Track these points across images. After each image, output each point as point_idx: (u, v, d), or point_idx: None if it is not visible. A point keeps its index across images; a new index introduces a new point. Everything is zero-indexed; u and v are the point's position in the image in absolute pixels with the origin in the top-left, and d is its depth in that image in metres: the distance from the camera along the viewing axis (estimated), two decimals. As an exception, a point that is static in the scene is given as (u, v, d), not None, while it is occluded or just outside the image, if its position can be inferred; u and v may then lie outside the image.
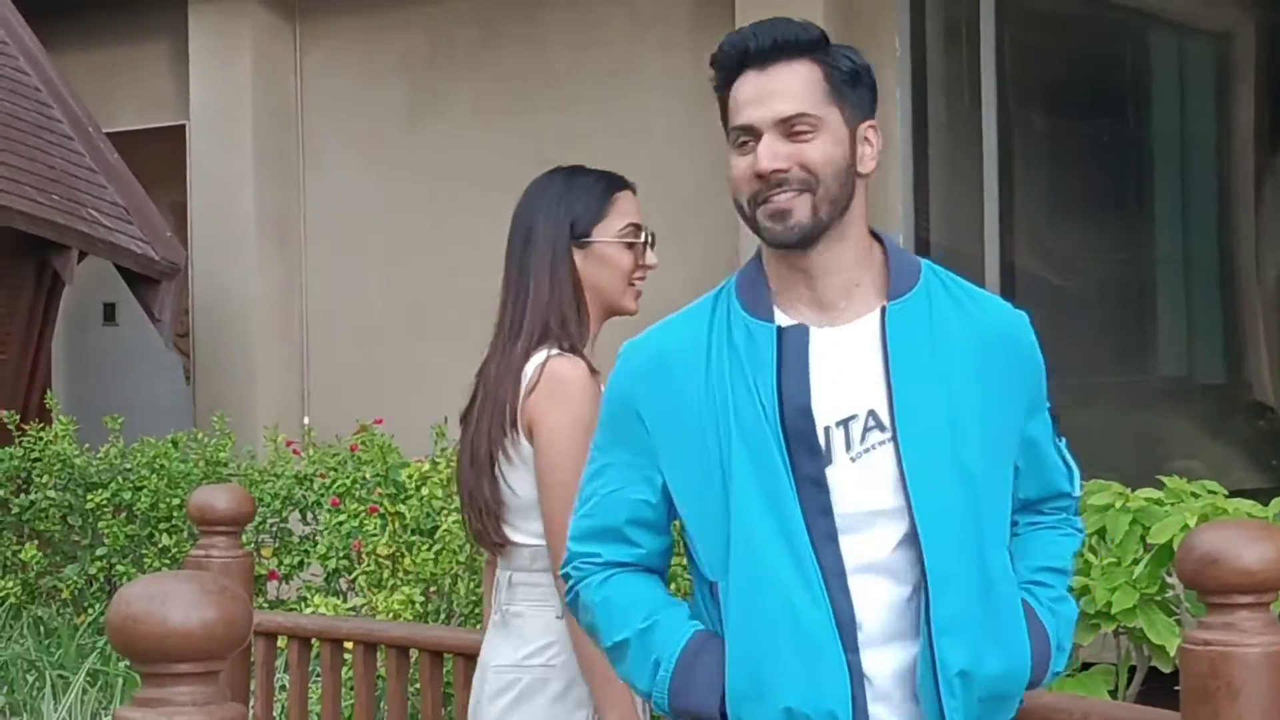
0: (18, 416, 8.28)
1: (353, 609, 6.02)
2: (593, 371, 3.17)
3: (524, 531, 3.20)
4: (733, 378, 2.43)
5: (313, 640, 4.81)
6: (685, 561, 2.56)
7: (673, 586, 4.26)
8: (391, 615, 5.56)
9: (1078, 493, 2.66)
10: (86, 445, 8.06)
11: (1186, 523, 3.91)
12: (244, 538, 4.85)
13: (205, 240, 10.00)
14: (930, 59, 8.26)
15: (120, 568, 7.70)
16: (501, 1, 9.28)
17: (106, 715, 6.61)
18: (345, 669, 4.93)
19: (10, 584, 7.94)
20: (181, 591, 1.95)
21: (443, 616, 5.82)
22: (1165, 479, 4.25)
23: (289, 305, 9.91)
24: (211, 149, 9.99)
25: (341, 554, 6.65)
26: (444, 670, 4.52)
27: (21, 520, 8.02)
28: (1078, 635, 4.03)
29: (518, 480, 3.18)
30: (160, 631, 1.93)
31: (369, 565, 5.97)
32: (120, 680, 6.83)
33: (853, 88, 2.47)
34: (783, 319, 2.45)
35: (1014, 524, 2.56)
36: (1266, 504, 4.11)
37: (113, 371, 11.02)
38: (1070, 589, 2.63)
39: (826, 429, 2.40)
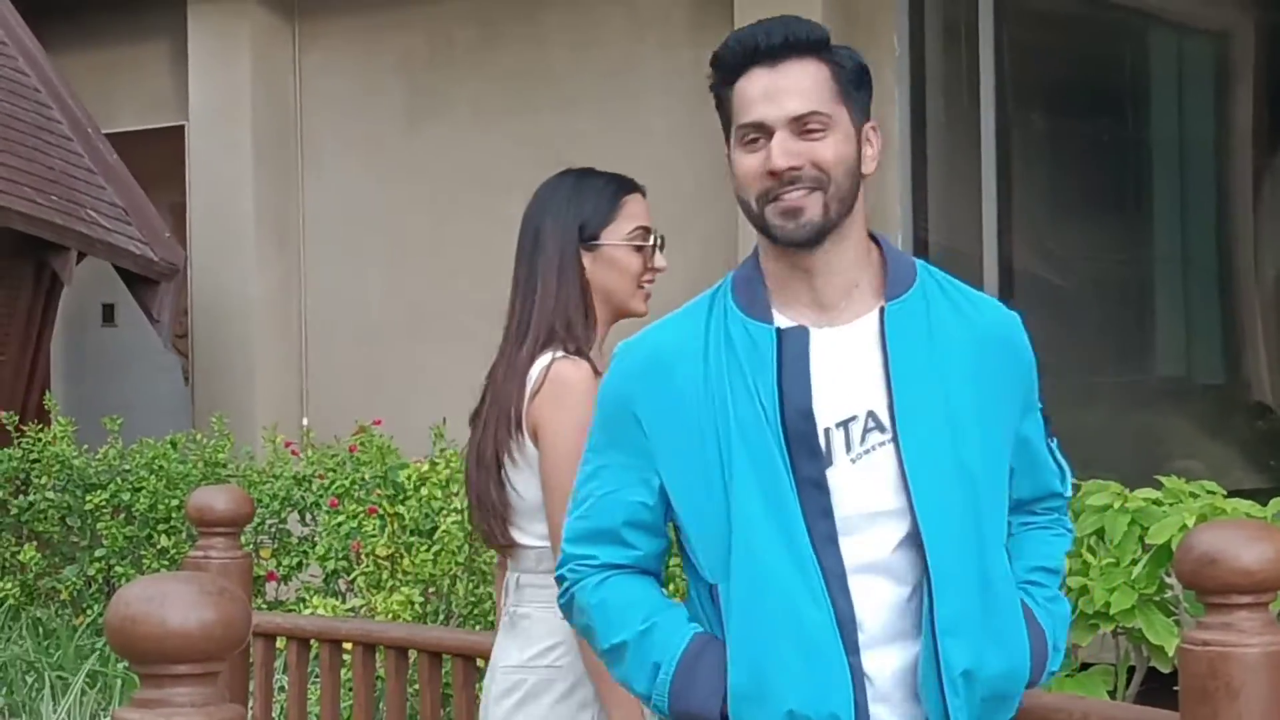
0: (16, 417, 8.28)
1: (351, 610, 6.02)
2: (597, 374, 3.16)
3: (530, 533, 3.21)
4: (731, 379, 2.42)
5: (311, 641, 4.81)
6: (681, 562, 2.56)
7: (671, 587, 4.26)
8: (390, 616, 5.56)
9: (1069, 493, 2.67)
10: (85, 446, 8.06)
11: (1185, 523, 3.91)
12: (243, 539, 4.84)
13: (204, 241, 9.99)
14: (929, 59, 8.26)
15: (119, 569, 7.70)
16: (501, 1, 9.27)
17: (105, 716, 6.60)
18: (344, 670, 4.93)
19: (9, 585, 7.94)
20: (180, 592, 1.95)
21: (441, 617, 5.82)
22: (1164, 479, 4.25)
23: (288, 306, 9.90)
24: (210, 149, 9.98)
25: (340, 555, 6.65)
26: (443, 671, 4.52)
27: (20, 521, 8.01)
28: (1077, 635, 4.04)
29: (523, 482, 3.19)
30: (159, 632, 1.93)
31: (368, 566, 5.97)
32: (119, 681, 6.82)
33: (857, 88, 2.47)
34: (780, 319, 2.45)
35: (1007, 524, 2.56)
36: (1265, 504, 4.11)
37: (111, 372, 11.00)
38: (1063, 588, 2.64)
39: (826, 430, 2.40)
